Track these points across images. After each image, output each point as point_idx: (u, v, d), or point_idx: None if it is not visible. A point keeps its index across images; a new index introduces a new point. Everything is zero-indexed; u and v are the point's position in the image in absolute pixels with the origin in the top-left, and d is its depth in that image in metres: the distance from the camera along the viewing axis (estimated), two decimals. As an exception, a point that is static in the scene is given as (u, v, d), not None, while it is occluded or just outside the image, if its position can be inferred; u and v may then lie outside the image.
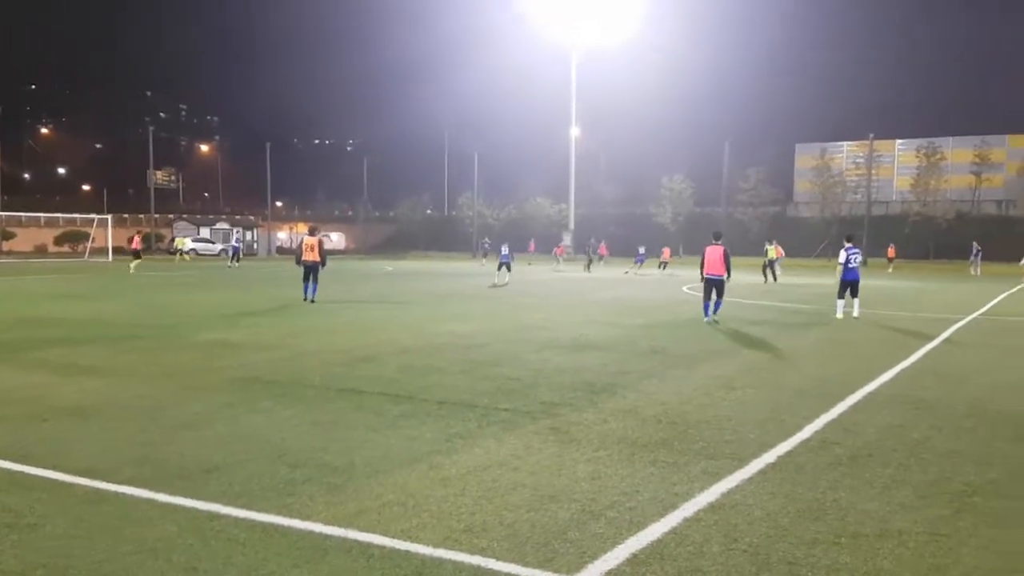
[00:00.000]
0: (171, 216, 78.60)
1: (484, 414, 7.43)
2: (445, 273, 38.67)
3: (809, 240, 60.75)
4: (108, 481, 5.30)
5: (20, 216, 64.17)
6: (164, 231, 71.80)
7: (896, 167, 68.39)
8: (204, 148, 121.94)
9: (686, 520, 4.74)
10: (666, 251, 44.01)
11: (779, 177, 69.96)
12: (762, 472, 5.75)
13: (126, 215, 75.08)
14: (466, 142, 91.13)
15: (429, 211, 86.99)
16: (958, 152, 63.98)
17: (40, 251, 61.53)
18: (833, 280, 18.21)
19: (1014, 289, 28.64)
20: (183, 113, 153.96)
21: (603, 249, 51.39)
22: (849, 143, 69.61)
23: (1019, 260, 38.09)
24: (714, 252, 16.11)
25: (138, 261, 36.51)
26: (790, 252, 45.43)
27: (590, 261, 42.57)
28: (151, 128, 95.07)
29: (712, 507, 4.98)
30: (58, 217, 64.70)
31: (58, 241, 64.89)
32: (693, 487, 5.34)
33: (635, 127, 71.66)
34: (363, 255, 70.11)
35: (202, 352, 11.19)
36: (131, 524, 4.59)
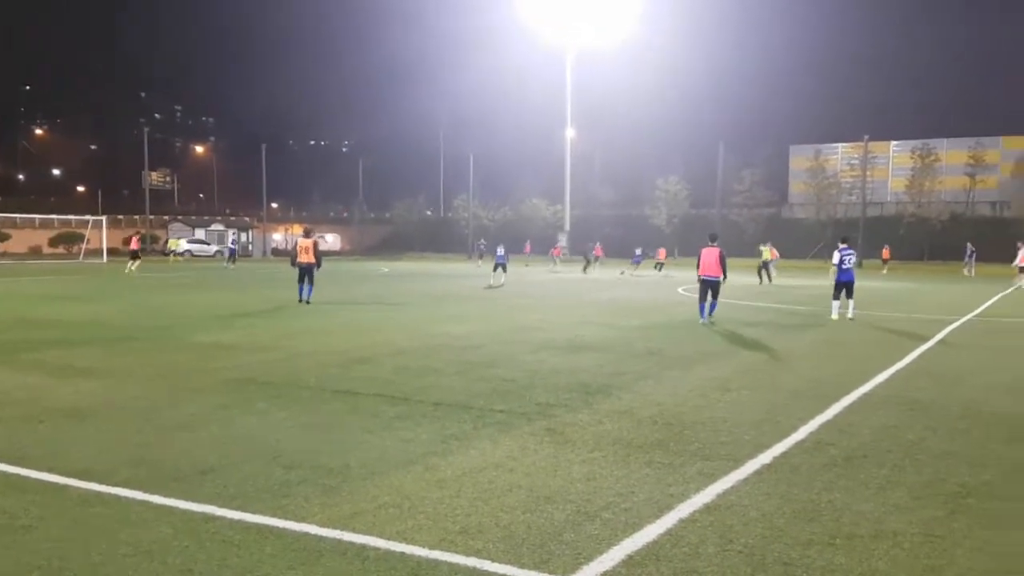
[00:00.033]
0: (166, 217, 78.48)
1: (480, 415, 7.43)
2: (441, 274, 38.66)
3: (804, 241, 60.86)
4: (103, 483, 5.29)
5: (15, 217, 64.02)
6: (159, 232, 71.70)
7: (891, 168, 68.55)
8: (199, 149, 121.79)
9: (681, 521, 4.75)
10: (661, 252, 44.08)
11: (774, 179, 70.09)
12: (757, 473, 5.76)
13: (121, 216, 74.95)
14: (462, 143, 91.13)
15: (429, 212, 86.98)
16: (953, 153, 64.15)
17: (35, 252, 61.42)
18: (828, 281, 18.24)
19: (1008, 290, 28.73)
20: (178, 114, 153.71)
21: (598, 250, 51.45)
22: (844, 144, 69.77)
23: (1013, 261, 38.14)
24: (710, 254, 16.14)
25: (137, 262, 36.43)
26: (785, 253, 45.50)
27: (588, 263, 42.56)
28: (146, 129, 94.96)
29: (708, 508, 4.99)
30: (53, 218, 64.53)
31: (53, 242, 64.74)
32: (688, 488, 5.35)
33: (630, 128, 71.77)
34: (359, 256, 70.07)
35: (198, 353, 11.17)
36: (126, 526, 4.58)
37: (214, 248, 65.89)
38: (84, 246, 55.42)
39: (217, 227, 73.81)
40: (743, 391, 8.97)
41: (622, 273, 40.04)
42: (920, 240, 58.42)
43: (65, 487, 5.26)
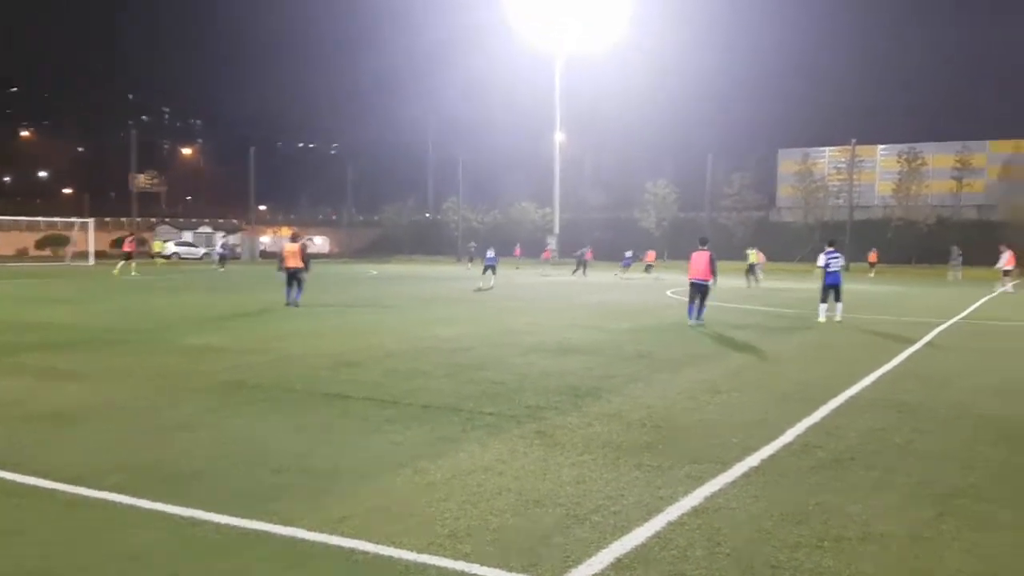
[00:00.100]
0: (153, 220, 78.08)
1: (469, 418, 7.42)
2: (430, 277, 38.61)
3: (792, 245, 61.11)
4: (91, 487, 5.26)
5: (0, 220, 63.54)
6: (146, 235, 71.28)
7: (878, 172, 68.92)
8: (187, 151, 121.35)
9: (670, 524, 4.75)
10: (651, 254, 44.20)
11: (763, 182, 70.36)
12: (745, 476, 5.77)
13: (108, 219, 74.51)
14: (451, 146, 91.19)
15: (427, 215, 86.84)
16: (940, 157, 64.53)
17: (21, 255, 60.94)
18: (816, 284, 18.32)
19: (994, 293, 28.93)
20: (166, 116, 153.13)
21: (588, 254, 51.48)
22: (831, 148, 70.11)
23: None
24: (700, 257, 16.20)
25: (132, 263, 36.23)
26: (773, 257, 45.68)
27: (579, 266, 42.54)
28: (133, 131, 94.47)
29: (696, 511, 5.00)
30: (39, 221, 64.10)
31: (39, 245, 64.31)
32: (677, 491, 5.36)
33: (620, 132, 71.91)
34: (347, 259, 69.90)
35: (187, 356, 11.12)
36: (114, 530, 4.55)
37: (202, 250, 65.59)
38: (71, 249, 55.08)
39: (205, 229, 73.45)
40: (732, 394, 8.99)
41: (616, 276, 40.14)
42: (907, 244, 58.75)
43: (52, 491, 5.22)
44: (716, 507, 5.08)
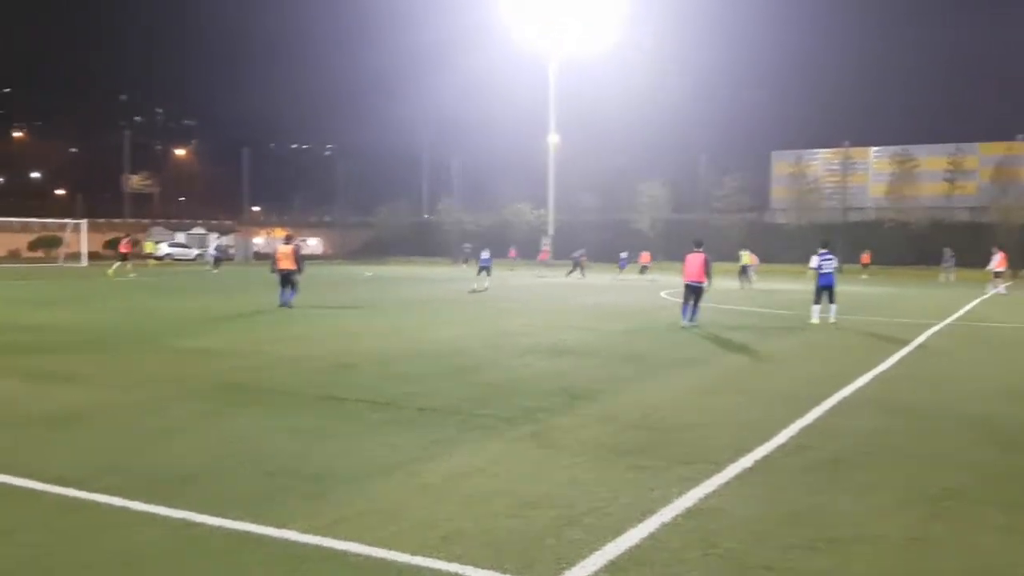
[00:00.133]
0: (146, 221, 77.88)
1: (464, 420, 7.42)
2: (425, 278, 38.58)
3: (786, 246, 61.20)
4: (84, 489, 5.24)
5: (-7, 221, 63.27)
6: (139, 236, 71.06)
7: (871, 174, 69.11)
8: (181, 152, 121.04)
9: (664, 525, 4.76)
10: (645, 256, 44.30)
11: (756, 184, 70.46)
12: (739, 477, 5.78)
13: (101, 220, 74.27)
14: (446, 147, 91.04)
15: (424, 216, 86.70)
16: (932, 160, 64.76)
17: (13, 256, 60.66)
18: (809, 286, 18.37)
19: (987, 295, 29.04)
20: (159, 117, 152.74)
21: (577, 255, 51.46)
22: (824, 150, 70.29)
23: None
24: (694, 259, 16.23)
25: (128, 264, 36.14)
26: (767, 258, 45.77)
27: (575, 267, 42.54)
28: (126, 132, 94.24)
29: (690, 512, 5.00)
30: (32, 222, 63.85)
31: (32, 246, 64.05)
32: (671, 492, 5.37)
33: (614, 133, 71.79)
34: (341, 260, 69.81)
35: (180, 359, 11.09)
36: (106, 533, 4.54)
37: (195, 252, 65.43)
38: (64, 250, 54.88)
39: (198, 231, 73.28)
40: (725, 395, 9.01)
41: (615, 278, 40.23)
42: (900, 245, 58.89)
43: (44, 494, 5.20)
44: (710, 508, 5.09)
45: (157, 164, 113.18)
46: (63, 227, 57.32)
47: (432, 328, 15.50)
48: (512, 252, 57.24)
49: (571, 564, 4.17)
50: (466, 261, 50.88)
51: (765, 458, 6.30)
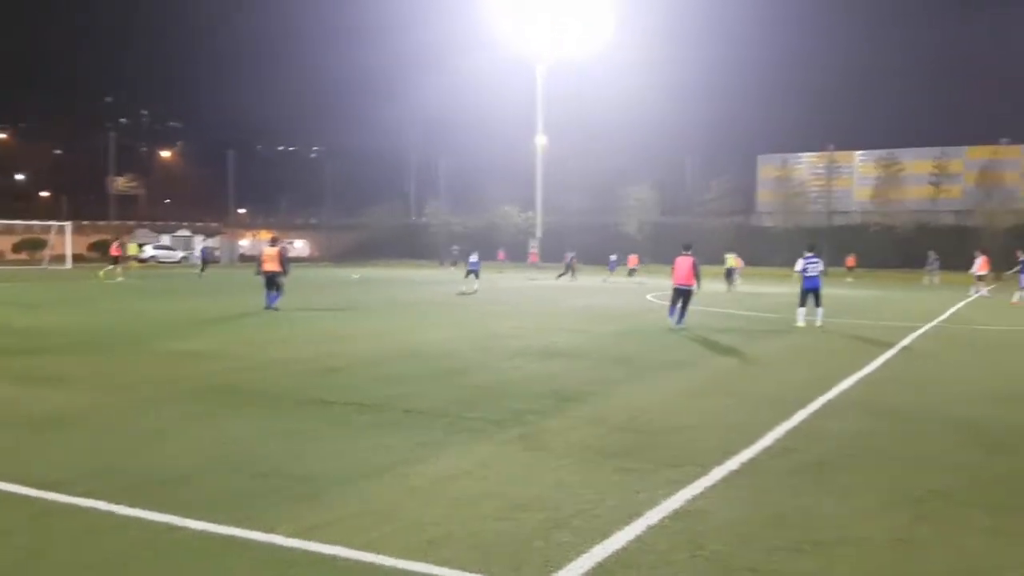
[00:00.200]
0: (131, 223, 77.38)
1: (452, 423, 7.41)
2: (412, 281, 38.52)
3: (772, 250, 61.48)
4: (67, 493, 5.20)
5: (-24, 223, 62.68)
6: (124, 238, 70.51)
7: (856, 178, 69.56)
8: (166, 154, 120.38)
9: (650, 528, 4.77)
10: (633, 258, 44.45)
11: (742, 187, 70.77)
12: (725, 479, 5.80)
13: (85, 222, 73.74)
14: (433, 149, 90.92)
15: (411, 218, 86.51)
16: (917, 163, 65.28)
17: (-3, 258, 60.16)
18: (796, 289, 18.46)
19: (970, 297, 29.26)
20: (145, 119, 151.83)
21: (567, 258, 51.51)
22: (809, 154, 70.71)
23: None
24: (683, 262, 16.30)
25: (117, 267, 35.92)
26: (753, 261, 46.00)
27: (567, 271, 42.59)
28: (111, 134, 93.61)
29: (676, 514, 5.02)
30: (16, 224, 63.31)
31: (16, 248, 63.51)
32: (658, 494, 5.38)
33: (601, 136, 71.94)
34: (328, 263, 69.60)
35: (166, 361, 11.03)
36: (90, 537, 4.51)
37: (180, 254, 65.05)
38: (48, 252, 54.46)
39: (183, 233, 72.87)
40: (713, 398, 9.04)
41: (604, 280, 40.34)
42: (885, 248, 59.28)
43: (27, 498, 5.16)
44: (696, 510, 5.10)
45: (142, 166, 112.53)
46: (47, 229, 56.89)
47: (420, 330, 15.48)
48: (501, 254, 57.23)
49: (559, 567, 4.17)
50: (454, 263, 50.80)
51: (751, 460, 6.32)
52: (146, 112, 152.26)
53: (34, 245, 60.42)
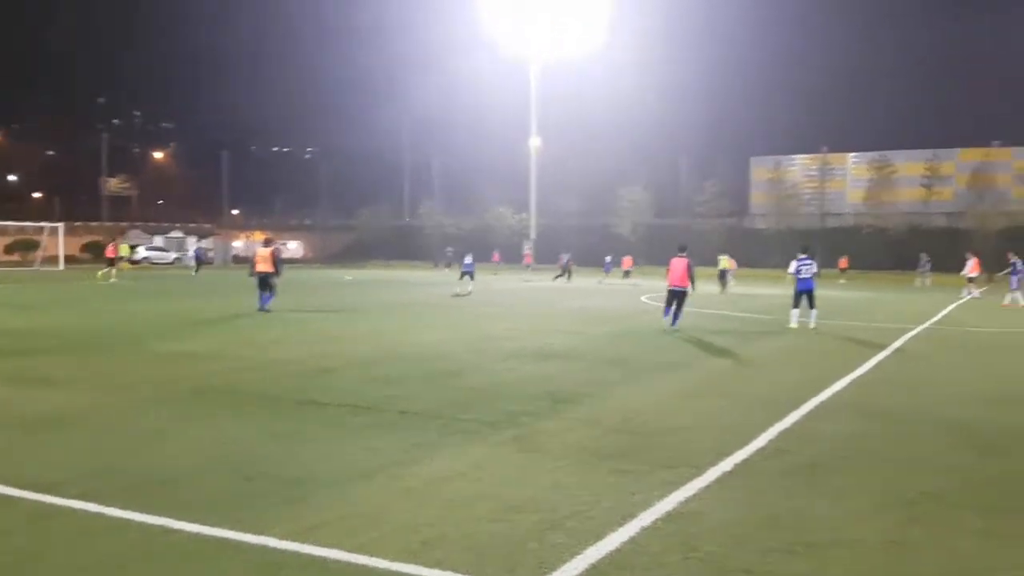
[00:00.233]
0: (124, 224, 77.14)
1: (446, 424, 7.41)
2: (406, 282, 38.49)
3: (765, 251, 61.62)
4: (60, 495, 5.18)
5: (-33, 224, 62.41)
6: (119, 240, 70.25)
7: (849, 180, 69.77)
8: (159, 155, 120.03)
9: (644, 529, 4.77)
10: (627, 260, 44.53)
11: (736, 189, 70.95)
12: (719, 481, 5.81)
13: (78, 223, 73.50)
14: (428, 151, 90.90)
15: (405, 219, 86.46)
16: (910, 166, 65.51)
17: (-11, 259, 59.87)
18: (790, 290, 18.50)
19: (962, 299, 29.36)
20: (138, 120, 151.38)
21: (563, 260, 51.54)
22: (802, 156, 70.91)
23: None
24: (678, 264, 16.34)
25: (112, 269, 35.79)
26: (746, 263, 46.10)
27: (563, 272, 42.61)
28: (104, 134, 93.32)
29: (670, 516, 5.02)
30: (8, 225, 63.08)
31: (8, 249, 63.25)
32: (651, 496, 5.38)
33: (596, 138, 72.05)
34: (321, 264, 69.49)
35: (159, 363, 11.00)
36: (83, 539, 4.49)
37: (172, 255, 64.89)
38: (40, 253, 54.26)
39: (176, 234, 72.69)
40: (707, 399, 9.06)
41: (599, 282, 40.43)
42: (877, 250, 59.46)
43: (20, 500, 5.14)
44: (690, 512, 5.11)
45: (135, 167, 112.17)
46: (40, 230, 56.70)
47: (414, 332, 15.46)
48: (495, 256, 57.22)
49: (553, 568, 4.17)
50: (448, 265, 50.76)
51: (744, 462, 6.33)
52: (139, 113, 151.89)
53: (26, 246, 60.16)
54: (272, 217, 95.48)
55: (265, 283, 19.24)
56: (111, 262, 36.37)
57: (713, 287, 31.64)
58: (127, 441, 6.70)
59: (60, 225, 55.21)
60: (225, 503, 5.10)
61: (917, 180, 64.76)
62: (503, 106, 74.24)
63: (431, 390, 9.15)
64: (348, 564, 4.19)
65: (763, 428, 7.46)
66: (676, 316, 16.33)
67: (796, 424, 7.78)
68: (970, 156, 65.56)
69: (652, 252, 55.32)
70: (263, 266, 19.33)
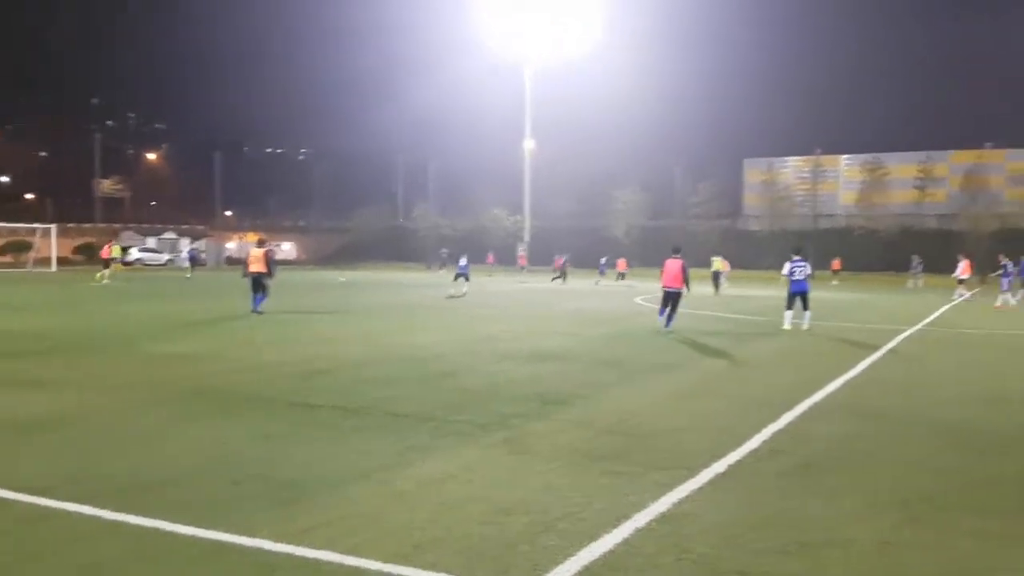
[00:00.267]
0: (117, 225, 76.90)
1: (438, 426, 7.39)
2: (400, 284, 38.45)
3: (758, 253, 61.75)
4: (52, 498, 5.15)
5: (-41, 225, 62.11)
6: (113, 242, 70.00)
7: (841, 182, 69.96)
8: (152, 156, 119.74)
9: (638, 531, 4.77)
10: (621, 262, 44.62)
11: (729, 191, 71.10)
12: (713, 482, 5.81)
13: (71, 225, 73.24)
14: (422, 152, 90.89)
15: (399, 221, 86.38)
16: (902, 167, 65.71)
17: (-20, 261, 59.62)
18: (783, 292, 18.53)
19: (954, 301, 29.46)
20: (131, 121, 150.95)
21: (559, 261, 51.60)
22: (795, 158, 71.07)
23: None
24: (673, 265, 16.38)
25: (107, 270, 35.70)
26: (740, 264, 46.23)
27: (560, 274, 42.63)
28: (97, 136, 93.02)
29: (664, 517, 5.02)
30: (1, 226, 62.83)
31: (0, 251, 63.00)
32: (645, 497, 5.38)
33: (590, 140, 72.21)
34: (315, 265, 69.38)
35: (152, 364, 10.96)
36: (75, 542, 4.46)
37: (165, 256, 64.73)
38: (33, 255, 54.07)
39: (169, 235, 72.49)
40: (701, 400, 9.06)
41: (596, 283, 40.51)
42: (870, 252, 59.65)
43: (12, 502, 5.11)
44: (683, 513, 5.10)
45: (128, 168, 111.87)
46: (33, 232, 56.48)
47: (408, 333, 15.44)
48: (490, 258, 57.22)
49: (546, 570, 4.16)
50: (442, 266, 50.73)
51: (738, 463, 6.33)
52: (132, 114, 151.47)
53: (19, 248, 59.92)
54: (265, 218, 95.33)
55: (258, 284, 19.20)
56: (106, 263, 36.30)
57: (707, 289, 31.69)
58: (120, 443, 6.67)
59: (53, 226, 55.04)
60: (219, 505, 5.08)
61: (910, 182, 64.96)
62: (498, 108, 74.38)
63: (424, 392, 9.14)
64: (341, 566, 4.17)
65: (757, 429, 7.47)
66: (670, 317, 16.36)
67: (790, 425, 7.79)
68: (963, 158, 65.77)
69: (646, 254, 55.44)
70: (256, 267, 19.29)
